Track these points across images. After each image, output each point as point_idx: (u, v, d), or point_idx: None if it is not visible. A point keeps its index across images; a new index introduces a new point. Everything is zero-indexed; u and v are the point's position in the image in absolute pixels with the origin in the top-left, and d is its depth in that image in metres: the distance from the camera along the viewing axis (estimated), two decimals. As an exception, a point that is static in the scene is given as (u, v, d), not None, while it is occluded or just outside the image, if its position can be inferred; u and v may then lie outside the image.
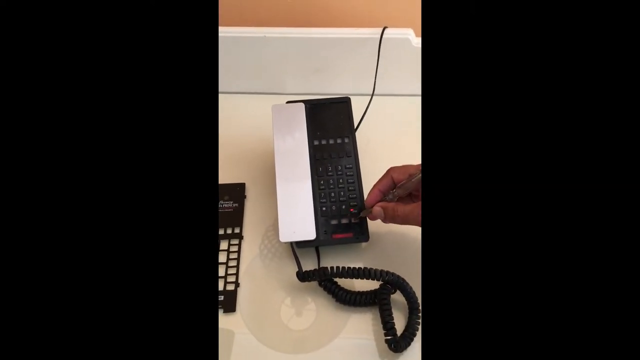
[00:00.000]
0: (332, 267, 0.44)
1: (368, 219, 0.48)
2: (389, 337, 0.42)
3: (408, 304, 0.44)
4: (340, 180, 0.50)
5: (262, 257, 0.51)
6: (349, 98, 0.53)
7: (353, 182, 0.50)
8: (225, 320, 0.46)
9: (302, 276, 0.46)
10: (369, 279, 0.44)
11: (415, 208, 0.43)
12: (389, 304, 0.43)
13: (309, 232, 0.46)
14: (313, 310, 0.47)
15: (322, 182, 0.49)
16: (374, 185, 0.47)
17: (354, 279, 0.47)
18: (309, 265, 0.49)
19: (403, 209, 0.44)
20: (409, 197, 0.46)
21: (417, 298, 0.44)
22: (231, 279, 0.48)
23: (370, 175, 0.51)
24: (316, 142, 0.51)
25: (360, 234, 0.48)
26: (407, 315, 0.44)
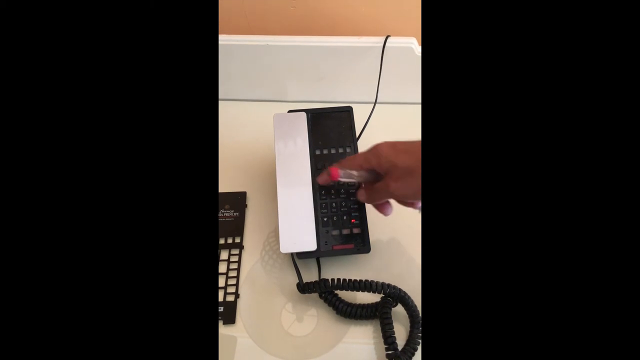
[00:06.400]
0: (332, 279, 0.44)
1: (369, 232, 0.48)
2: (390, 352, 0.41)
3: (409, 317, 0.44)
4: (342, 191, 0.49)
5: (263, 267, 0.50)
6: (351, 107, 0.53)
7: (354, 192, 0.49)
8: (225, 332, 0.45)
9: (303, 288, 0.45)
10: (370, 292, 0.43)
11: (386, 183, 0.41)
12: (390, 317, 0.43)
13: (309, 243, 0.46)
14: (314, 322, 0.46)
15: (323, 192, 0.49)
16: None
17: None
18: (309, 275, 0.49)
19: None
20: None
21: (419, 312, 0.43)
22: (231, 289, 0.48)
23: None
24: (318, 152, 0.51)
25: (361, 245, 0.48)
26: (409, 329, 0.44)
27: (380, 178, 0.42)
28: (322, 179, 0.47)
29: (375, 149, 0.42)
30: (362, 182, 0.46)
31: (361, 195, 0.46)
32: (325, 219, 0.48)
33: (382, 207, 0.46)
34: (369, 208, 0.48)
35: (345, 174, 0.44)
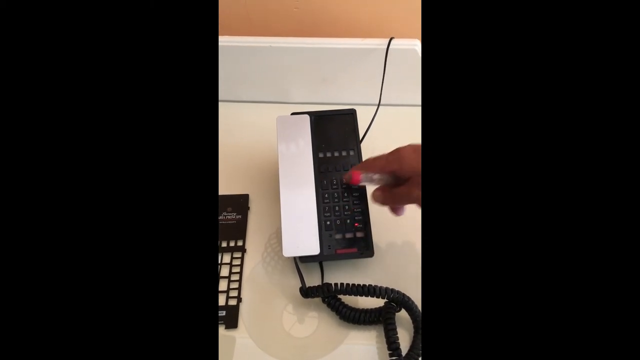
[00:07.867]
0: (336, 284, 0.44)
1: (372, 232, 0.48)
2: (393, 358, 0.41)
3: (413, 323, 0.43)
4: (345, 194, 0.49)
5: (265, 271, 0.50)
6: (355, 110, 0.53)
7: (358, 196, 0.49)
8: (225, 333, 0.45)
9: (306, 292, 0.45)
10: (373, 297, 0.43)
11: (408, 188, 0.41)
12: (393, 323, 0.42)
13: (312, 247, 0.45)
14: (316, 325, 0.46)
15: (326, 196, 0.49)
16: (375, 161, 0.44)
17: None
18: (312, 279, 0.49)
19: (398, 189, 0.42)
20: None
21: (422, 317, 0.43)
22: (233, 293, 0.48)
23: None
24: (321, 155, 0.51)
25: (364, 249, 0.47)
26: (412, 335, 0.43)
27: (400, 182, 0.42)
28: (346, 178, 0.46)
29: (398, 153, 0.41)
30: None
31: (377, 197, 0.44)
32: (328, 223, 0.48)
33: (396, 208, 0.45)
34: (373, 212, 0.48)
35: (366, 178, 0.43)
